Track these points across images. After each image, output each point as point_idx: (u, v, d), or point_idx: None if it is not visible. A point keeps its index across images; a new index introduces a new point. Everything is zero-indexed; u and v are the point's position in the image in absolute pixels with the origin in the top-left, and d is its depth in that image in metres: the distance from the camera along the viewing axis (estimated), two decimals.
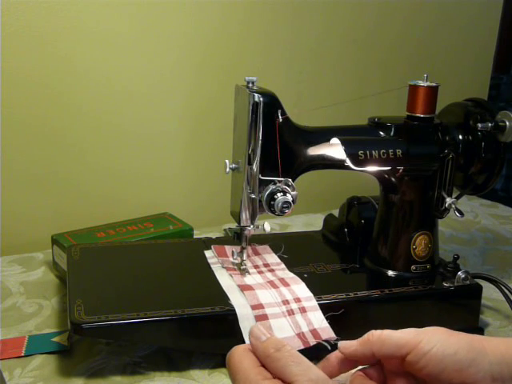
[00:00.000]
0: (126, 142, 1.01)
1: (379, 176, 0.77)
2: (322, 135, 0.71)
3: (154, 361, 0.66)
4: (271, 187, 0.67)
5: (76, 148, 0.97)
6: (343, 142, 0.70)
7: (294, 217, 1.12)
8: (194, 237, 0.93)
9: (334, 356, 0.52)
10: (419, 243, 0.76)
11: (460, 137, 0.77)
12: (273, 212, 0.67)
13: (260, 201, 0.68)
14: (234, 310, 0.64)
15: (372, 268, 0.79)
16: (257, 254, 0.78)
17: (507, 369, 0.49)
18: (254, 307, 0.65)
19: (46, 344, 0.67)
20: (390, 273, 0.77)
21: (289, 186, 0.68)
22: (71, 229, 0.88)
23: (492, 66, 1.45)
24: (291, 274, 0.74)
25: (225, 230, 1.00)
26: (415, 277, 0.76)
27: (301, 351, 0.48)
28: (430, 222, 0.77)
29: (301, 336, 0.63)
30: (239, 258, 0.73)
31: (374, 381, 0.52)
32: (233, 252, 0.73)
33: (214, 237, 0.88)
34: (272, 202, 0.67)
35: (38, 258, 0.91)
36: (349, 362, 0.52)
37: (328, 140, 0.71)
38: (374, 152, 0.71)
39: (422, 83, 0.73)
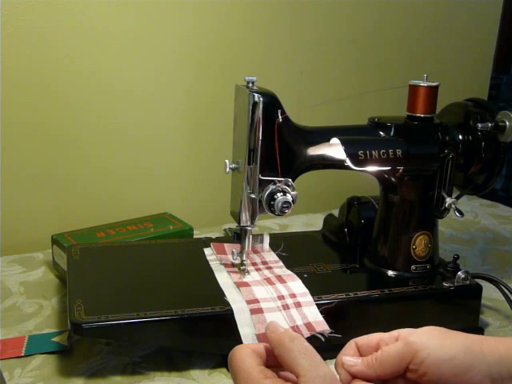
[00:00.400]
0: (126, 142, 1.01)
1: (379, 176, 0.77)
2: (322, 135, 0.71)
3: (154, 361, 0.66)
4: (271, 187, 0.67)
5: (76, 148, 0.97)
6: (343, 142, 0.70)
7: (294, 217, 1.12)
8: (194, 237, 0.93)
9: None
10: (419, 243, 0.76)
11: (460, 137, 0.77)
12: (273, 212, 0.67)
13: (260, 201, 0.68)
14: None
15: (372, 268, 0.79)
16: (255, 251, 0.79)
17: (506, 369, 0.49)
18: (249, 302, 0.66)
19: (46, 344, 0.67)
20: (390, 273, 0.77)
21: (289, 186, 0.68)
22: (71, 229, 0.88)
23: (492, 66, 1.45)
24: (288, 272, 0.74)
25: (225, 229, 1.00)
26: (415, 277, 0.76)
27: None
28: (430, 222, 0.77)
29: (295, 329, 0.64)
30: (239, 258, 0.73)
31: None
32: (233, 252, 0.73)
33: (213, 237, 0.88)
34: (272, 202, 0.67)
35: (38, 257, 0.91)
36: None
37: (328, 140, 0.71)
38: (373, 152, 0.71)
39: (422, 83, 0.73)
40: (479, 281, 0.76)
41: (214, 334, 0.65)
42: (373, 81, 1.23)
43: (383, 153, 0.72)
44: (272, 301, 0.67)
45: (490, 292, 0.82)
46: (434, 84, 0.73)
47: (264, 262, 0.77)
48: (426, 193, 0.76)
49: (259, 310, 0.65)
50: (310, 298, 0.68)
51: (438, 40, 1.30)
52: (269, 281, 0.71)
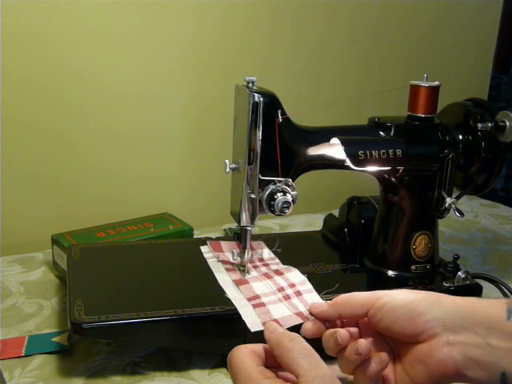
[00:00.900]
0: (126, 142, 1.01)
1: (379, 176, 0.77)
2: (322, 135, 0.71)
3: (154, 361, 0.66)
4: (271, 187, 0.67)
5: (76, 148, 0.97)
6: (343, 142, 0.70)
7: (294, 217, 1.12)
8: (194, 237, 0.93)
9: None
10: (419, 243, 0.76)
11: (460, 137, 0.77)
12: (273, 212, 0.67)
13: (260, 201, 0.68)
14: (234, 310, 0.64)
15: (372, 268, 0.79)
16: (251, 249, 0.79)
17: (459, 319, 0.50)
18: (250, 299, 0.66)
19: (46, 344, 0.67)
20: (390, 273, 0.77)
21: (289, 186, 0.68)
22: (71, 229, 0.88)
23: (492, 66, 1.45)
24: (285, 266, 0.74)
25: (225, 229, 1.00)
26: (415, 277, 0.76)
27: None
28: (430, 222, 0.77)
29: (299, 314, 0.64)
30: (239, 259, 0.73)
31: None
32: (233, 252, 0.73)
33: (214, 237, 0.88)
34: (272, 202, 0.67)
35: (38, 257, 0.91)
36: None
37: (328, 140, 0.71)
38: (374, 152, 0.71)
39: (423, 83, 0.73)
40: (479, 281, 0.76)
41: (213, 334, 0.65)
42: (373, 81, 1.23)
43: (383, 153, 0.72)
44: (272, 294, 0.67)
45: (490, 292, 0.82)
46: (435, 84, 0.73)
47: (261, 259, 0.77)
48: (426, 193, 0.76)
49: (261, 305, 0.65)
50: (309, 285, 0.69)
51: (438, 40, 1.30)
52: (267, 275, 0.72)
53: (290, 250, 0.81)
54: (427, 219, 0.77)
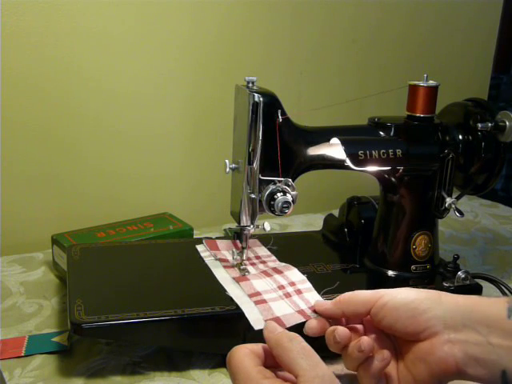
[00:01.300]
0: (126, 142, 1.01)
1: (379, 176, 0.77)
2: (322, 135, 0.71)
3: (154, 361, 0.66)
4: (271, 187, 0.67)
5: (76, 148, 0.97)
6: (343, 142, 0.70)
7: (294, 217, 1.12)
8: (194, 237, 0.93)
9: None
10: (419, 243, 0.76)
11: (460, 137, 0.77)
12: (273, 212, 0.67)
13: (260, 201, 0.68)
14: (234, 310, 0.64)
15: (372, 268, 0.79)
16: (248, 247, 0.79)
17: (460, 317, 0.50)
18: (251, 295, 0.66)
19: (46, 344, 0.67)
20: (390, 273, 0.77)
21: (289, 185, 0.68)
22: (71, 229, 0.88)
23: (492, 66, 1.45)
24: (283, 264, 0.74)
25: (225, 229, 1.00)
26: (415, 277, 0.76)
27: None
28: (430, 221, 0.77)
29: (301, 312, 0.64)
30: (239, 258, 0.73)
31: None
32: (233, 252, 0.74)
33: (214, 237, 0.88)
34: (272, 202, 0.67)
35: (38, 257, 0.91)
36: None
37: (328, 140, 0.71)
38: (374, 152, 0.71)
39: (422, 83, 0.73)
40: (479, 281, 0.76)
41: (213, 334, 0.65)
42: (373, 81, 1.23)
43: (383, 153, 0.72)
44: (273, 291, 0.68)
45: (489, 292, 0.82)
46: (434, 84, 0.73)
47: (257, 257, 0.78)
48: (426, 193, 0.76)
49: (263, 301, 0.65)
50: (309, 284, 0.69)
51: (438, 40, 1.30)
52: (266, 273, 0.72)
53: (290, 250, 0.81)
54: (427, 219, 0.77)
